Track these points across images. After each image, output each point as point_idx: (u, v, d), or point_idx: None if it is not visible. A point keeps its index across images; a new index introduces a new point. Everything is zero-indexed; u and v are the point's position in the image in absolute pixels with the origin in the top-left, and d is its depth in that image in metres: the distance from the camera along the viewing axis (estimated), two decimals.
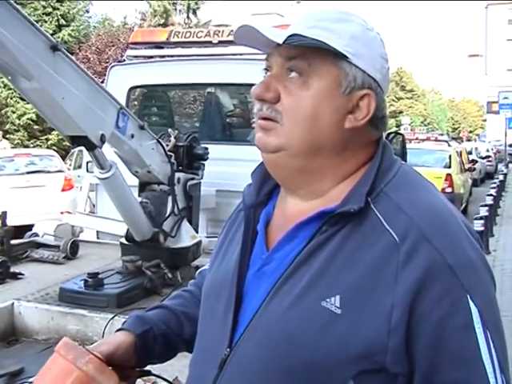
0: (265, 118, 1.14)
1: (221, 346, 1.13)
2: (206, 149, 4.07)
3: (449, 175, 13.80)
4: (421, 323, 1.01)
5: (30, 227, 4.69)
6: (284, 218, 1.18)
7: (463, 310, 1.02)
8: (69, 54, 2.76)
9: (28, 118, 24.85)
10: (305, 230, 1.12)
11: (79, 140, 2.90)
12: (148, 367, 1.36)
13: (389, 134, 5.80)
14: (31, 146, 24.34)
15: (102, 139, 2.93)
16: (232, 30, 4.93)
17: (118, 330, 1.32)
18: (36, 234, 4.32)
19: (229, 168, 4.24)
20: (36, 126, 25.39)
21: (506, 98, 30.06)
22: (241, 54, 4.68)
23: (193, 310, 1.37)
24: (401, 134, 6.24)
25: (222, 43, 4.89)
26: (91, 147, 2.96)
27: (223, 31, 4.98)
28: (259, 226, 1.21)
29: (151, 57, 5.22)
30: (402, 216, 1.06)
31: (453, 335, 1.01)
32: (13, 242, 4.00)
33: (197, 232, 3.91)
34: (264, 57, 1.19)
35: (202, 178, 4.05)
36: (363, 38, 1.14)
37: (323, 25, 1.12)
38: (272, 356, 1.06)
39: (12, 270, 3.63)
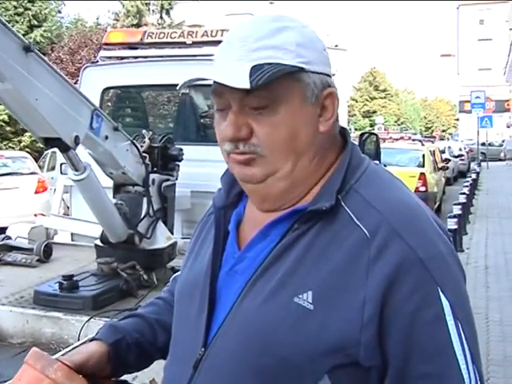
0: (243, 153, 1.11)
1: (195, 347, 1.13)
2: (181, 150, 4.07)
3: (422, 174, 13.91)
4: (393, 317, 1.02)
5: (3, 230, 4.63)
6: (255, 218, 1.19)
7: (434, 304, 1.03)
8: (42, 55, 2.73)
9: (0, 120, 24.55)
10: (277, 229, 1.13)
11: (53, 142, 2.88)
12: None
13: (363, 133, 5.84)
14: (3, 147, 24.06)
15: (76, 141, 2.91)
16: (206, 31, 4.93)
17: (91, 340, 1.31)
18: (8, 237, 4.27)
19: (203, 169, 4.23)
20: (8, 128, 25.10)
21: (478, 97, 30.45)
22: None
23: (166, 317, 1.36)
24: (375, 134, 6.28)
25: (195, 44, 4.88)
26: (65, 149, 2.94)
27: (197, 32, 4.96)
28: (230, 226, 1.22)
29: (125, 58, 5.19)
30: (373, 212, 1.07)
31: (425, 328, 1.02)
32: None
33: (172, 233, 3.91)
34: None
35: (176, 179, 4.05)
36: (305, 40, 1.12)
37: (265, 43, 1.08)
38: (247, 352, 1.07)
39: None
